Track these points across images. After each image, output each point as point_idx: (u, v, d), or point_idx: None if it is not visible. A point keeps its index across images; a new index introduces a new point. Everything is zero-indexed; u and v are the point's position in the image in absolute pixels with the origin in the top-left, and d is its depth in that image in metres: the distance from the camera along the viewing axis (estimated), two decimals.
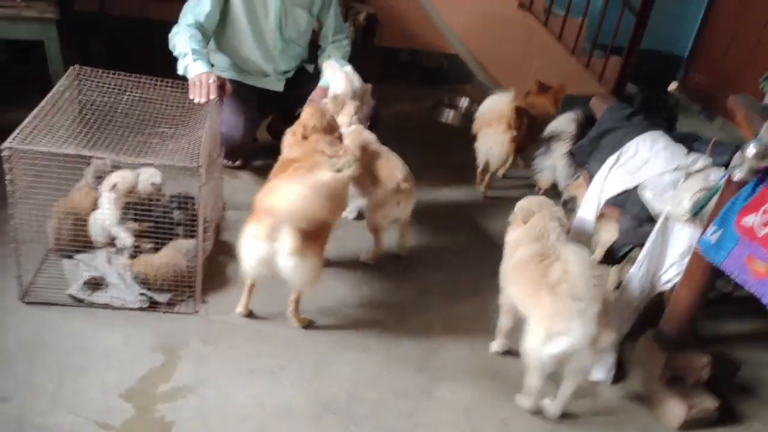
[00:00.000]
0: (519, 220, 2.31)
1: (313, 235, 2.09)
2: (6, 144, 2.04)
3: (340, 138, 2.55)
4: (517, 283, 2.20)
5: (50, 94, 2.40)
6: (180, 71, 2.73)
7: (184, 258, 2.37)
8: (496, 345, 2.41)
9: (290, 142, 2.47)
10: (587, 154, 2.73)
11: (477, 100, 4.60)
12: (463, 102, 4.60)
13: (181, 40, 2.79)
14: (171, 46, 2.84)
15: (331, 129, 2.50)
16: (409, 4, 4.44)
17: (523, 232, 2.26)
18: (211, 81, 2.58)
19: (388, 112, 4.22)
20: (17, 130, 2.11)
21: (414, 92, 4.65)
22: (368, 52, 4.31)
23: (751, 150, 1.99)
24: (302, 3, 3.13)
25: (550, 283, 2.03)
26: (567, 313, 1.96)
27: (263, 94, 3.25)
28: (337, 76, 2.89)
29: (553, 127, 3.14)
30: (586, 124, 2.93)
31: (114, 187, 2.43)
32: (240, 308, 2.36)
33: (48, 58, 3.06)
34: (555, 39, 4.10)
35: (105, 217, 2.42)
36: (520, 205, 2.35)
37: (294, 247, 2.05)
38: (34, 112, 2.26)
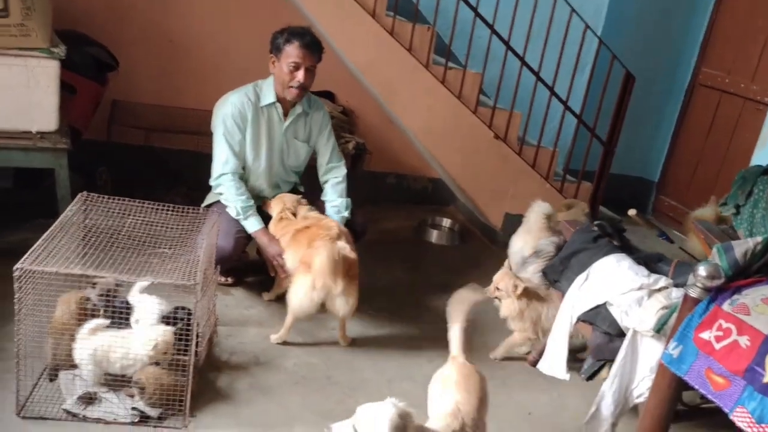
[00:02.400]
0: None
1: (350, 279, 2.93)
2: (18, 265, 2.21)
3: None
4: None
5: (59, 219, 2.59)
6: (232, 214, 3.25)
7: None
8: None
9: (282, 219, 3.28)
10: (558, 273, 2.92)
11: (458, 221, 4.88)
12: (446, 222, 4.85)
13: (231, 195, 3.25)
14: (218, 192, 3.32)
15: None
16: (395, 134, 4.79)
17: None
18: (281, 262, 3.21)
19: (375, 229, 4.44)
20: (28, 253, 2.28)
21: (400, 213, 4.91)
22: (358, 177, 4.60)
23: (702, 271, 2.18)
24: (301, 136, 3.46)
25: None
26: None
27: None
28: None
29: (537, 246, 3.34)
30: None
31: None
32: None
33: (57, 184, 3.28)
34: (529, 166, 4.41)
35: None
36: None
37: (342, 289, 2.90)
38: (45, 235, 2.44)
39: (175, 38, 4.42)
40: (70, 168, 3.35)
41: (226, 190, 3.26)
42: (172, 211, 2.83)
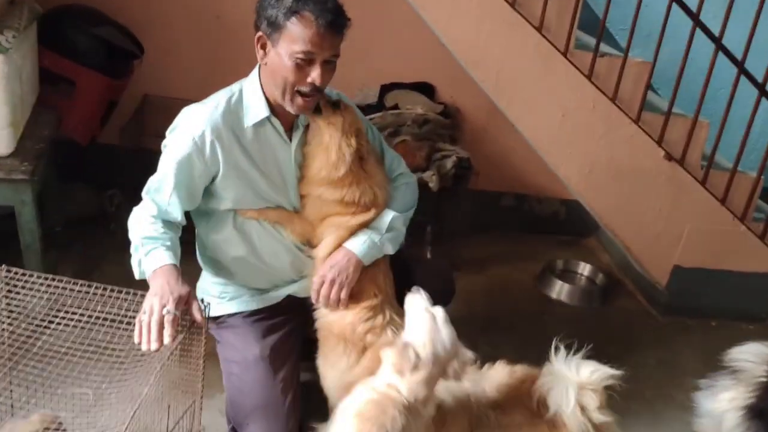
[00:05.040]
0: None
1: None
2: None
3: None
4: None
5: None
6: (136, 275, 1.82)
7: None
8: None
9: None
10: None
11: (602, 269, 3.51)
12: (583, 269, 3.49)
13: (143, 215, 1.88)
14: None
15: None
16: (516, 140, 3.45)
17: None
18: (165, 311, 1.60)
19: (478, 280, 3.26)
20: None
21: (518, 249, 3.63)
22: (460, 198, 3.38)
23: None
24: None
25: None
26: None
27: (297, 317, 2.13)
28: (420, 319, 1.72)
29: (736, 354, 2.06)
30: None
31: None
32: None
33: (18, 227, 2.35)
34: (717, 200, 2.96)
35: None
36: None
37: None
38: None
39: (223, 13, 3.35)
40: (83, 182, 2.84)
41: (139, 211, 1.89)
42: (131, 301, 1.75)
